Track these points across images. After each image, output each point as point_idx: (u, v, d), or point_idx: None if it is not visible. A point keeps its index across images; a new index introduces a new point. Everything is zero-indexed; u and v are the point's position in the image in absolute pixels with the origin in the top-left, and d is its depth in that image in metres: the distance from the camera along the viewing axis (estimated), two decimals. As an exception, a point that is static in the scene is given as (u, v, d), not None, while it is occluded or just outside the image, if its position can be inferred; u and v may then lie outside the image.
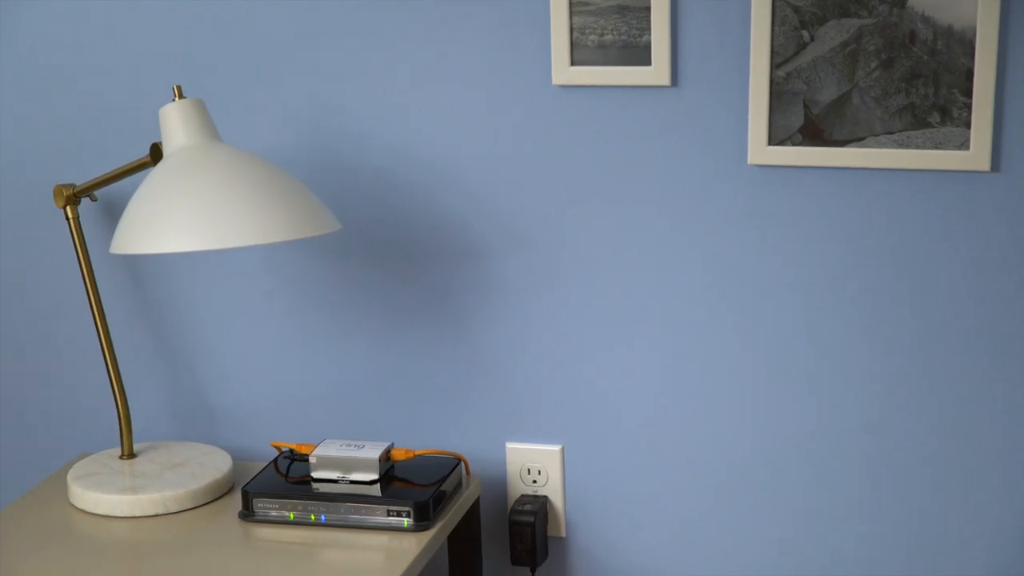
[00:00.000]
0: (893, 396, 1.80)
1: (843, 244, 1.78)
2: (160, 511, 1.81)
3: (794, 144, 1.75)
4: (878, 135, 1.72)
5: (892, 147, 1.72)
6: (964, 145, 1.70)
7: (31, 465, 2.10)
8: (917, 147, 1.71)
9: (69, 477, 1.87)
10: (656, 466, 1.90)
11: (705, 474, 1.89)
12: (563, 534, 1.95)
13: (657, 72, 1.77)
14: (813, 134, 1.74)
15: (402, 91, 1.86)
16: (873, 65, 1.71)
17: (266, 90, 1.90)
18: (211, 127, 1.75)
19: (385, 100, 1.87)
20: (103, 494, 1.81)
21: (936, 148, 1.70)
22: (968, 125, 1.69)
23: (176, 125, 1.74)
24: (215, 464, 1.90)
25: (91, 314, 1.93)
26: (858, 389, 1.81)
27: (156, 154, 1.85)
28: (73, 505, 1.85)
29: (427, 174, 1.88)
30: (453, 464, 1.84)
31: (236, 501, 1.84)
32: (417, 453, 1.85)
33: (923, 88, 1.69)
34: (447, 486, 1.80)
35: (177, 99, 1.74)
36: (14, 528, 1.79)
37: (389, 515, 1.75)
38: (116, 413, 1.96)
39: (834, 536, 1.86)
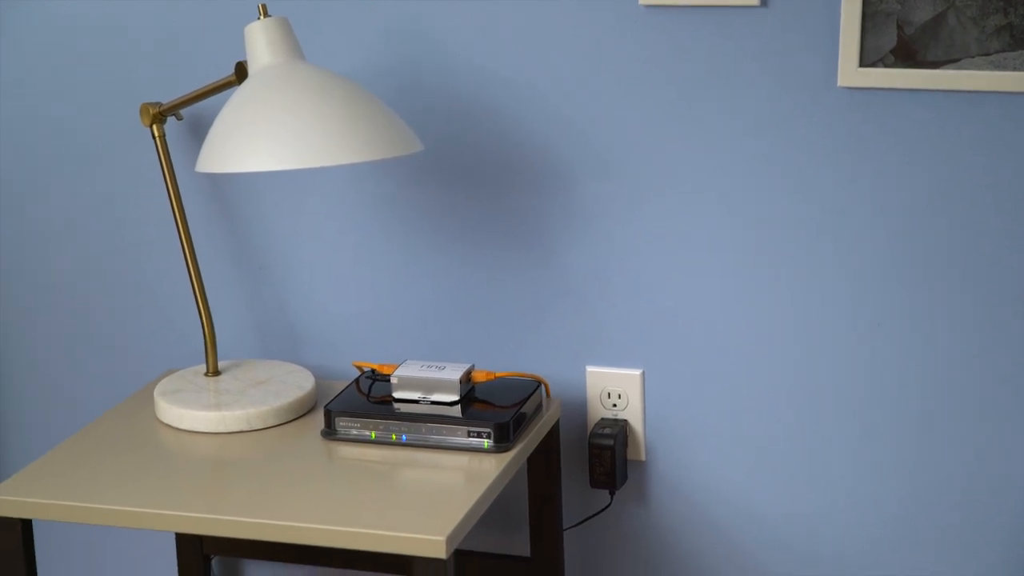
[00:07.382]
0: (988, 325, 1.77)
1: (933, 167, 1.74)
2: (244, 427, 1.83)
3: (886, 66, 1.71)
4: (973, 56, 1.68)
5: (988, 69, 1.67)
6: (1063, 68, 1.65)
7: (119, 381, 2.14)
8: (1014, 69, 1.66)
9: (156, 393, 1.90)
10: (736, 392, 1.89)
11: (785, 402, 1.87)
12: (643, 458, 1.95)
13: (746, -9, 1.74)
14: (906, 56, 1.70)
15: (486, 12, 1.84)
16: (970, -16, 1.66)
17: (351, 9, 1.89)
18: (296, 46, 1.75)
19: (469, 21, 1.85)
20: (188, 410, 1.84)
21: (1034, 70, 1.66)
22: (1068, 47, 1.64)
23: (261, 44, 1.74)
24: (298, 382, 1.92)
25: (176, 232, 1.95)
26: (949, 319, 1.78)
27: (241, 73, 1.85)
28: (159, 420, 1.88)
29: (510, 96, 1.87)
30: (533, 386, 1.84)
31: (318, 419, 1.86)
32: (498, 375, 1.86)
33: (1022, 8, 1.64)
34: (527, 408, 1.81)
35: (262, 17, 1.74)
36: (102, 441, 1.82)
37: (469, 436, 1.75)
38: (201, 331, 1.98)
39: (916, 463, 1.84)
